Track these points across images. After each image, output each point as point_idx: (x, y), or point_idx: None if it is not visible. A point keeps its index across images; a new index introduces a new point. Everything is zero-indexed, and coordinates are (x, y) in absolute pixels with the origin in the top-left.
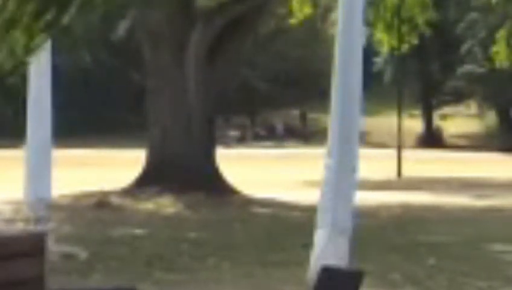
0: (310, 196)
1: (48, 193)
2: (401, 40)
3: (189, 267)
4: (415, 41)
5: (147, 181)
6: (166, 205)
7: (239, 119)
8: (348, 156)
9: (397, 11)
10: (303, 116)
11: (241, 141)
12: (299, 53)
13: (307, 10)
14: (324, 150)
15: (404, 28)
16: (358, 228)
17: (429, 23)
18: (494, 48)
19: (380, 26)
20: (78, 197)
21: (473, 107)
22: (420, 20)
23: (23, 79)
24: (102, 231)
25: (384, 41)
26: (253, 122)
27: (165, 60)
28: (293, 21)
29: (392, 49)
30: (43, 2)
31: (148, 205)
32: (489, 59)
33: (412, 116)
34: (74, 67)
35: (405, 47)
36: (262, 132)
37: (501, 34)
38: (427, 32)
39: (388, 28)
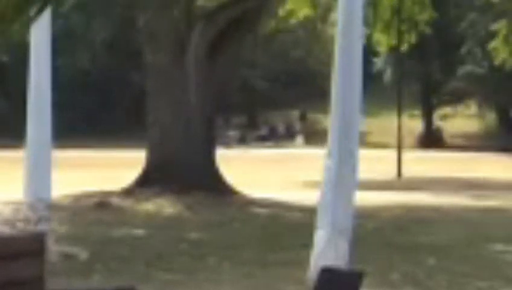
0: (310, 196)
1: (47, 193)
2: (400, 39)
3: (189, 267)
4: (414, 40)
5: (147, 181)
6: (166, 205)
7: (239, 119)
8: (348, 156)
9: (396, 10)
10: (303, 116)
11: (241, 141)
12: (299, 53)
13: (306, 10)
14: (324, 150)
15: (404, 27)
16: (358, 228)
17: (429, 22)
18: (493, 44)
19: (379, 26)
20: (79, 198)
21: (472, 107)
22: (420, 18)
23: (24, 79)
24: (103, 231)
25: (383, 42)
26: (254, 122)
27: (165, 60)
28: (292, 19)
29: (391, 48)
30: None
31: (148, 206)
32: (488, 55)
33: (412, 116)
34: (74, 67)
35: (404, 46)
36: (263, 132)
37: (499, 29)
38: (427, 31)
39: (387, 27)
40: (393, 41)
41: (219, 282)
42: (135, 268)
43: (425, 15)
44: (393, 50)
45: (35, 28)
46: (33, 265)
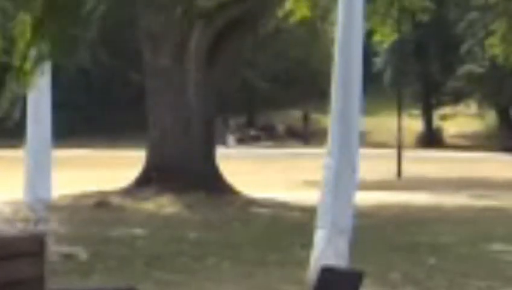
0: (310, 196)
1: (47, 193)
2: (394, 29)
3: (189, 267)
4: (408, 29)
5: (147, 181)
6: (166, 205)
7: (239, 120)
8: (348, 156)
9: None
10: (306, 117)
11: (241, 141)
12: (299, 53)
13: (305, 11)
14: (324, 150)
15: (399, 16)
16: (358, 228)
17: (425, 10)
18: (490, 40)
19: (376, 19)
20: (78, 198)
21: (473, 107)
22: (416, 6)
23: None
24: (102, 231)
25: (380, 32)
26: (253, 123)
27: (164, 61)
28: (292, 20)
29: (383, 36)
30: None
31: (147, 205)
32: (484, 49)
33: (412, 116)
34: (74, 67)
35: (395, 36)
36: (263, 132)
37: (497, 27)
38: (424, 19)
39: (383, 21)
40: (390, 32)
41: (219, 282)
42: (135, 268)
43: (421, 2)
44: (385, 37)
45: None
46: (33, 265)
